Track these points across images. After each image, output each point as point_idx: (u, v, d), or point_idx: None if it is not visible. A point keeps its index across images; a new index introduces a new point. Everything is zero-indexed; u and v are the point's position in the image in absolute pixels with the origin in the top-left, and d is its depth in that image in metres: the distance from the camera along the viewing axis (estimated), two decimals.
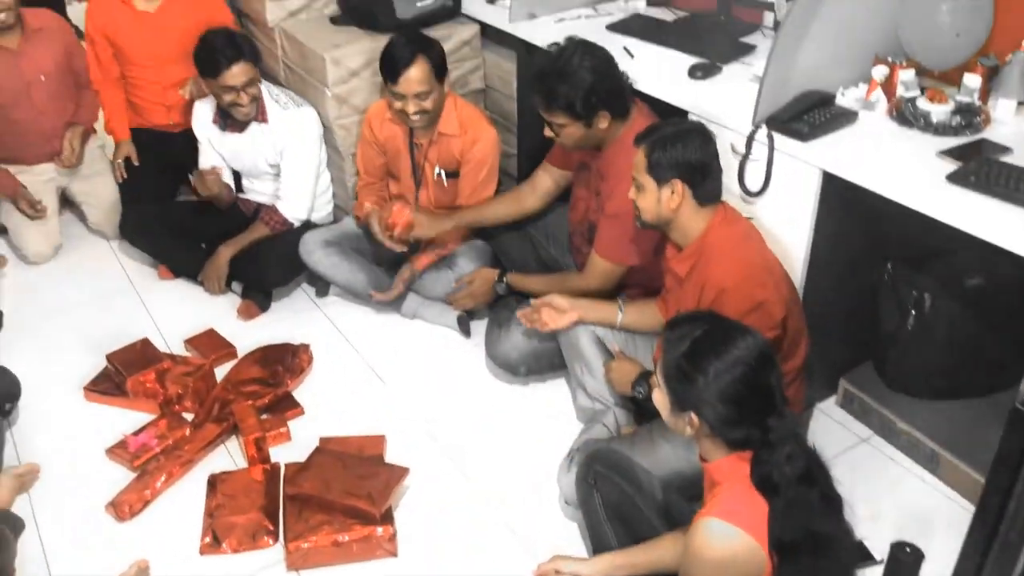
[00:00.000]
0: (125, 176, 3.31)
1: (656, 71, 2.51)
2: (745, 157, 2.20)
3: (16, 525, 2.13)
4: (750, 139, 2.17)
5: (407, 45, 2.59)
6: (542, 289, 2.47)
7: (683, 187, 1.95)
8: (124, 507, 2.21)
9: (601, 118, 2.28)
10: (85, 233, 3.47)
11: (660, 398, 1.57)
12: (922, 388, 2.38)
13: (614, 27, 2.82)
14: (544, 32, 2.82)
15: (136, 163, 3.31)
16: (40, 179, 3.27)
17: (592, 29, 2.82)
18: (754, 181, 2.21)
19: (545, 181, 2.70)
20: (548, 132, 2.37)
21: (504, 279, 2.65)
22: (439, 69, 2.63)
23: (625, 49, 2.63)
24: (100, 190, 3.37)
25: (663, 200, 1.97)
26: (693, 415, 1.49)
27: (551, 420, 2.51)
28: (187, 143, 3.18)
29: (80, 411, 2.59)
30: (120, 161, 3.31)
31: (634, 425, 2.31)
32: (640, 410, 2.31)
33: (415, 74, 2.56)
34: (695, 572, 1.48)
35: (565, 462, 2.14)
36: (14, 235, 3.27)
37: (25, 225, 3.23)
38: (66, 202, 3.46)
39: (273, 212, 3.01)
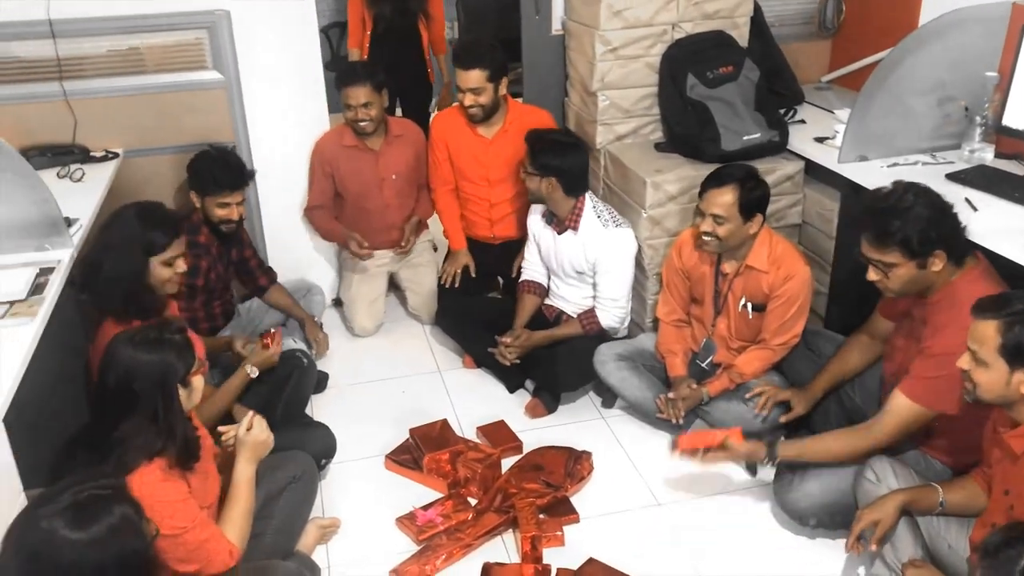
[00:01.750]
0: (457, 285, 3.53)
1: (1003, 228, 2.34)
2: None
3: (314, 571, 2.33)
4: None
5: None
6: (821, 453, 2.33)
7: None
8: None
9: (936, 259, 2.15)
10: (404, 316, 3.83)
11: None
12: None
13: (955, 176, 2.68)
14: (874, 176, 2.75)
15: (473, 274, 3.56)
16: (375, 263, 3.68)
17: (929, 177, 2.69)
18: None
19: (880, 330, 2.57)
20: (873, 275, 2.25)
21: (776, 450, 2.40)
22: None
23: (967, 201, 2.49)
24: (423, 278, 3.73)
25: (1013, 384, 1.79)
26: None
27: None
28: (502, 253, 3.51)
29: (379, 477, 2.81)
30: (458, 270, 3.54)
31: None
32: None
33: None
34: None
35: None
36: (347, 309, 3.69)
37: (357, 302, 3.65)
38: (392, 286, 3.86)
39: (591, 315, 3.14)
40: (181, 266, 2.46)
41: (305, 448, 2.53)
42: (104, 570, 1.37)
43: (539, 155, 3.03)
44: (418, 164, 3.60)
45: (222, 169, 2.99)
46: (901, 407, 2.23)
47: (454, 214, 3.59)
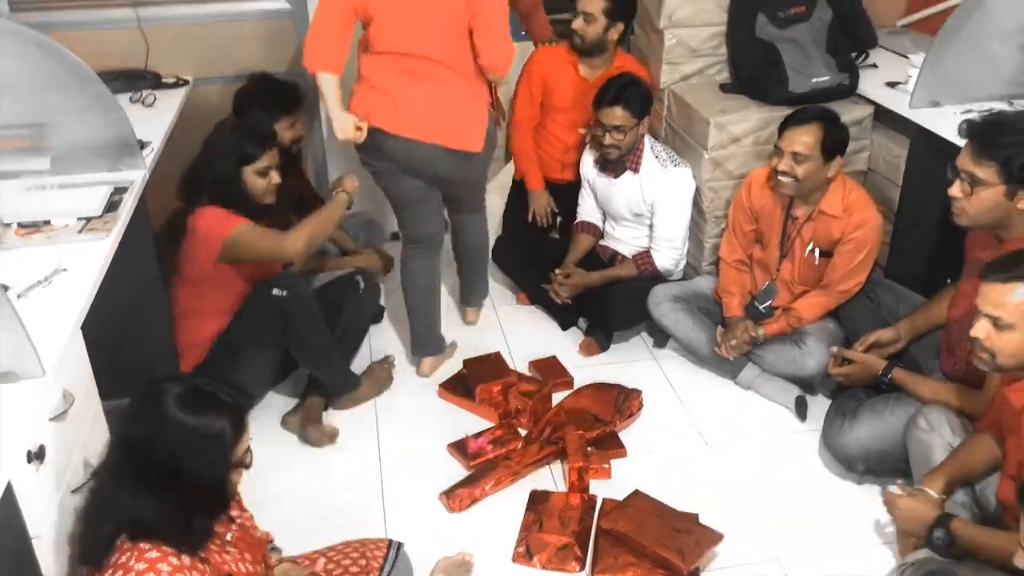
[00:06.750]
0: (548, 225, 3.50)
1: None
2: None
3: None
4: None
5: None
6: (932, 397, 2.30)
7: None
8: (456, 500, 2.43)
9: None
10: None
11: None
12: None
13: None
14: (947, 122, 2.67)
15: (555, 219, 3.51)
16: None
17: None
18: None
19: None
20: (956, 190, 2.18)
21: (889, 373, 2.47)
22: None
23: None
24: None
25: None
26: None
27: (880, 526, 2.33)
28: (568, 194, 3.45)
29: (432, 404, 2.89)
30: (543, 211, 3.47)
31: None
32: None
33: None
34: None
35: (895, 572, 1.98)
36: None
37: None
38: None
39: (646, 257, 3.15)
40: (275, 177, 2.58)
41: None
42: (169, 455, 1.44)
43: (636, 102, 2.97)
44: None
45: (280, 92, 3.04)
46: (994, 379, 2.15)
47: (533, 154, 3.48)
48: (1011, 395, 1.87)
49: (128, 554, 1.41)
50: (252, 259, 2.55)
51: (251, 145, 2.53)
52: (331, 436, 2.69)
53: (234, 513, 1.65)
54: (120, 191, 2.40)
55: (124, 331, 2.28)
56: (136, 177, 2.48)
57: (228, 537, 1.58)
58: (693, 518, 2.27)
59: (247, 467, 1.56)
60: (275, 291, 2.56)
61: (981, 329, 1.85)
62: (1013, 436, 1.90)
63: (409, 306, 3.00)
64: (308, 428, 2.67)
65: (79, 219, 2.25)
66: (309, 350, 2.68)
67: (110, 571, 1.42)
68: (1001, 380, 1.95)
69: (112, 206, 2.32)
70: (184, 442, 1.45)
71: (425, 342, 3.02)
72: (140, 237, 2.50)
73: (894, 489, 2.05)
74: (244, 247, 2.48)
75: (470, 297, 3.34)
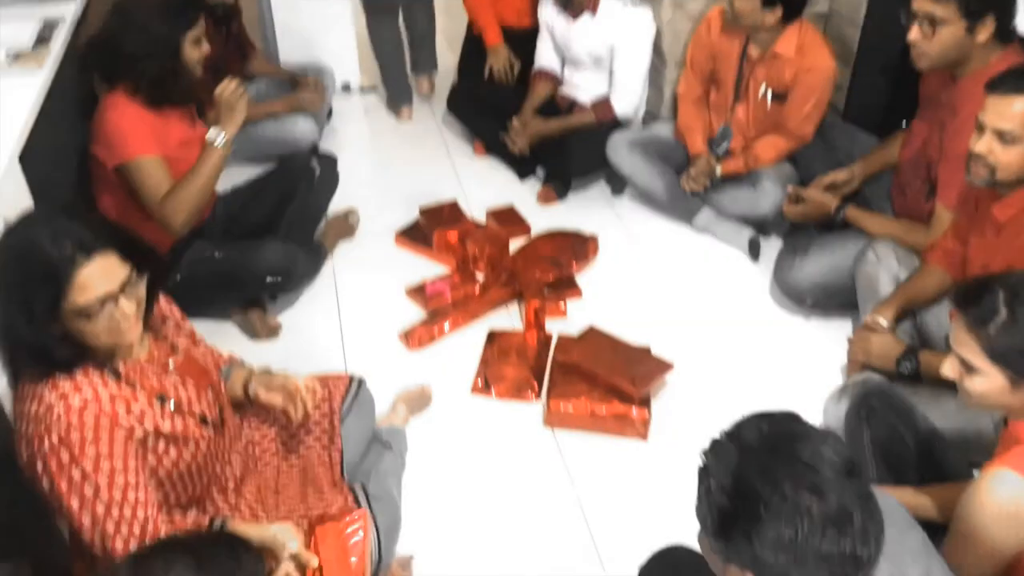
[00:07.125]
0: (508, 81, 3.39)
1: None
2: None
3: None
4: None
5: None
6: (881, 232, 2.33)
7: None
8: (415, 338, 2.46)
9: (985, 27, 2.07)
10: (419, 105, 3.78)
11: (985, 384, 1.40)
12: None
13: None
14: None
15: (515, 72, 3.38)
16: None
17: None
18: None
19: None
20: (915, 34, 2.15)
21: (842, 211, 2.48)
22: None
23: None
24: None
25: None
26: None
27: (826, 356, 2.40)
28: (527, 41, 3.33)
29: (390, 252, 2.89)
30: (502, 67, 3.37)
31: None
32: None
33: None
34: (973, 522, 1.37)
35: (836, 393, 2.06)
36: None
37: None
38: None
39: (605, 104, 3.10)
40: (206, 46, 2.27)
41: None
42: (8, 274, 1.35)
43: None
44: None
45: None
46: (944, 218, 2.21)
47: (488, 5, 3.36)
48: (996, 212, 1.90)
49: (43, 384, 1.37)
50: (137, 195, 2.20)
51: (186, 5, 2.20)
52: (273, 330, 2.52)
53: (179, 342, 1.62)
54: (50, 27, 2.29)
55: (61, 169, 2.21)
56: (67, 12, 2.35)
57: (170, 365, 1.56)
58: (645, 350, 2.33)
59: (89, 317, 1.36)
60: (269, 279, 2.44)
61: (984, 144, 1.83)
62: (979, 238, 1.95)
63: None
64: (250, 318, 2.50)
65: (7, 54, 2.14)
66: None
67: (27, 400, 1.38)
68: (979, 198, 1.98)
69: (42, 40, 2.21)
70: (15, 257, 1.34)
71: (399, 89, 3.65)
72: (76, 76, 2.40)
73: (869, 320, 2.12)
74: (136, 182, 2.16)
75: (419, 67, 3.75)
